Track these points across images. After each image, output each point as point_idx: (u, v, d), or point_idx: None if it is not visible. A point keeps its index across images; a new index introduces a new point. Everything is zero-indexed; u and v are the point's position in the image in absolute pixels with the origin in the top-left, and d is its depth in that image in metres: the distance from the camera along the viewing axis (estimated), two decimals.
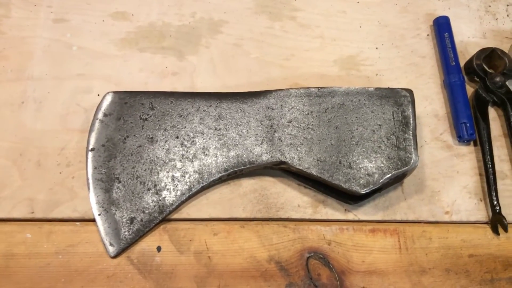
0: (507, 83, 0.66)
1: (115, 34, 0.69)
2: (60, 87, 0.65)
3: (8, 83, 0.65)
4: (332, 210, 0.60)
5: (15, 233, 0.57)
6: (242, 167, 0.59)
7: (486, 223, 0.61)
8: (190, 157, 0.59)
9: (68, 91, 0.65)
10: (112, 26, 0.70)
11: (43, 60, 0.66)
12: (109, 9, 0.71)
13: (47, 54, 0.67)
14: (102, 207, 0.57)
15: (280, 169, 0.60)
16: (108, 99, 0.61)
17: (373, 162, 0.57)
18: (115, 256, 0.56)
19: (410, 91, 0.61)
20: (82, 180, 0.59)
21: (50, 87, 0.65)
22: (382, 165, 0.57)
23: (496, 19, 0.74)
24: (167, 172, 0.59)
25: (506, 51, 0.68)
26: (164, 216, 0.57)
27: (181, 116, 0.61)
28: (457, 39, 0.71)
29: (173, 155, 0.59)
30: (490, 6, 0.75)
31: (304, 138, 0.59)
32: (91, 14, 0.70)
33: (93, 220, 0.57)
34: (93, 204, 0.57)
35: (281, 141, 0.59)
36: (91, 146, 0.59)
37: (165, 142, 0.60)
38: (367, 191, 0.56)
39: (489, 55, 0.68)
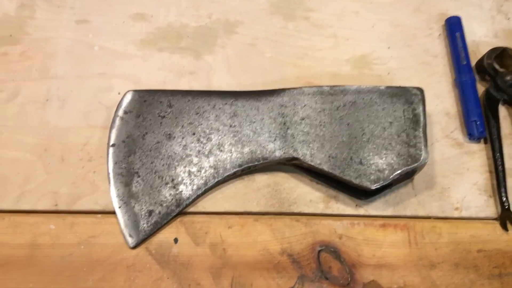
0: None
1: (134, 35, 0.72)
2: (83, 86, 0.68)
3: (33, 82, 0.68)
4: (343, 205, 0.62)
5: (39, 225, 0.60)
6: (256, 163, 0.60)
7: (495, 219, 0.62)
8: (206, 153, 0.61)
9: (90, 90, 0.67)
10: (132, 27, 0.72)
11: (66, 60, 0.69)
12: (129, 11, 0.73)
13: (70, 54, 0.70)
14: (122, 200, 0.59)
15: (293, 165, 0.62)
16: (128, 97, 0.64)
17: (384, 158, 0.59)
18: (134, 247, 0.58)
19: (420, 90, 0.62)
20: (103, 175, 0.62)
21: (73, 85, 0.68)
22: (392, 161, 0.59)
23: (508, 19, 0.75)
24: (184, 167, 0.61)
25: None
26: (181, 209, 0.60)
27: (198, 113, 0.63)
28: (469, 38, 0.72)
29: (190, 151, 0.61)
30: (502, 6, 0.75)
31: (316, 135, 0.61)
32: (112, 16, 0.73)
33: (113, 213, 0.60)
34: (113, 197, 0.60)
35: (294, 137, 0.61)
36: (112, 142, 0.62)
37: (182, 138, 0.62)
38: (377, 186, 0.58)
39: (500, 54, 0.68)
